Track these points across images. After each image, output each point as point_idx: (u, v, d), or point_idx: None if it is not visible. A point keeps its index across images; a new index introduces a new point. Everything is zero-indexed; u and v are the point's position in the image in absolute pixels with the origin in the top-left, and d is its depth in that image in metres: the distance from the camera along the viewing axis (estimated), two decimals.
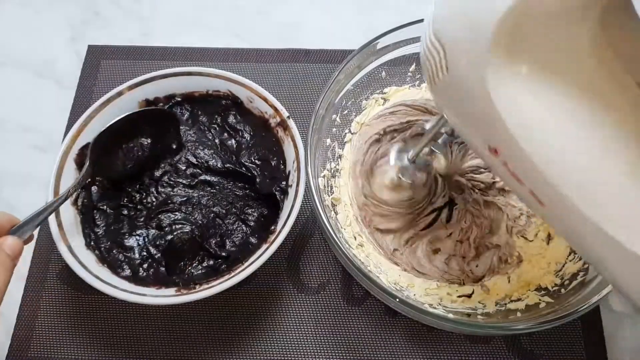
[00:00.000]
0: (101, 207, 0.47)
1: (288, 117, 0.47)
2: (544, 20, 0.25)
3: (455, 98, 0.31)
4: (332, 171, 0.49)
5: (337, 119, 0.50)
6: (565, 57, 0.27)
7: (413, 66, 0.52)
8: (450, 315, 0.41)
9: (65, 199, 0.42)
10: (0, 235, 0.37)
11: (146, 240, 0.46)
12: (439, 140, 0.44)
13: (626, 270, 0.28)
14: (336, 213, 0.47)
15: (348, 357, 0.46)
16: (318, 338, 0.46)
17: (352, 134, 0.52)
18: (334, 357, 0.46)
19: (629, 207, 0.27)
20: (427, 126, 0.42)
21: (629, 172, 0.26)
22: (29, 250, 0.50)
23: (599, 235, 0.27)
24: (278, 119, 0.48)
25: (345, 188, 0.49)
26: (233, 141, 0.50)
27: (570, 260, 0.45)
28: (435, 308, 0.43)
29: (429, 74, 0.32)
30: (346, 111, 0.51)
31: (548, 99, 0.27)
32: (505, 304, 0.44)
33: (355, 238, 0.47)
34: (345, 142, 0.51)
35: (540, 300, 0.43)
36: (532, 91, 0.27)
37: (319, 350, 0.46)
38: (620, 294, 0.32)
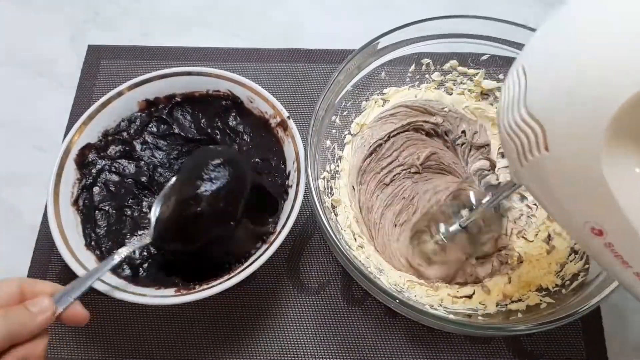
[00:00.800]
0: (103, 208, 0.47)
1: (288, 117, 0.47)
2: None
3: (554, 177, 0.28)
4: (332, 173, 0.49)
5: (337, 120, 0.50)
6: None
7: (413, 66, 0.52)
8: (451, 317, 0.41)
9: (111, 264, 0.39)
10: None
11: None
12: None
13: None
14: (336, 215, 0.47)
15: (348, 357, 0.46)
16: (318, 338, 0.46)
17: (351, 135, 0.51)
18: (334, 357, 0.46)
19: None
20: (486, 199, 0.41)
21: None
22: (29, 250, 0.50)
23: None
24: (278, 119, 0.48)
25: (345, 190, 0.49)
26: (235, 147, 0.50)
27: (570, 261, 0.45)
28: (436, 309, 0.43)
29: (518, 150, 0.29)
30: (346, 112, 0.51)
31: None
32: (506, 304, 0.44)
33: (355, 239, 0.47)
34: (345, 144, 0.51)
35: (541, 300, 0.43)
36: None
37: (319, 350, 0.46)
38: None
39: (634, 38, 0.23)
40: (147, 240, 0.42)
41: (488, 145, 0.52)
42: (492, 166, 0.51)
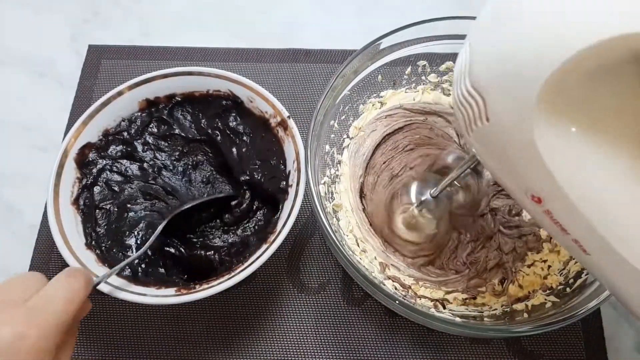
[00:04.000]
0: (104, 207, 0.47)
1: (288, 116, 0.47)
2: (593, 77, 0.25)
3: (495, 146, 0.30)
4: (332, 177, 0.49)
5: (335, 124, 0.50)
6: (616, 114, 0.26)
7: (409, 69, 0.52)
8: (457, 319, 0.41)
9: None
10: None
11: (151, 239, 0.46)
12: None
13: None
14: (338, 220, 0.47)
15: (348, 357, 0.46)
16: (318, 338, 0.46)
17: (350, 139, 0.51)
18: (334, 357, 0.46)
19: None
20: (451, 161, 0.42)
21: None
22: (29, 249, 0.50)
23: None
24: (278, 119, 0.48)
25: (345, 194, 0.49)
26: (235, 147, 0.50)
27: (573, 259, 0.45)
28: (441, 312, 0.43)
29: (465, 121, 0.31)
30: (344, 116, 0.51)
31: (597, 154, 0.26)
32: (511, 304, 0.44)
33: (358, 244, 0.47)
34: (344, 148, 0.51)
35: (546, 299, 0.43)
36: (581, 146, 0.26)
37: (319, 350, 0.46)
38: None
39: (561, 7, 0.24)
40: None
41: None
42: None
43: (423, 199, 0.48)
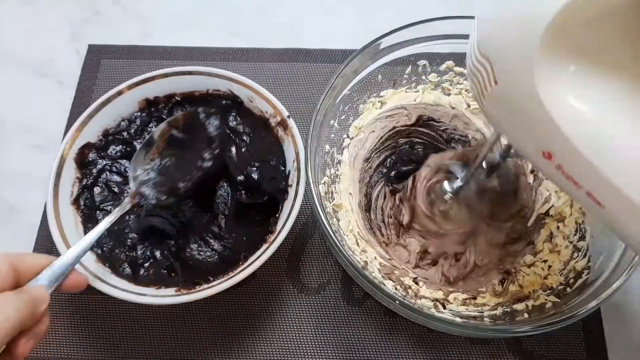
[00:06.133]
0: (105, 208, 0.47)
1: (288, 116, 0.47)
2: (593, 19, 0.25)
3: (506, 108, 0.31)
4: (332, 177, 0.49)
5: (335, 124, 0.50)
6: (615, 55, 0.27)
7: (409, 68, 0.52)
8: (458, 319, 0.41)
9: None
10: (29, 277, 0.34)
11: (151, 239, 0.46)
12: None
13: None
14: (338, 220, 0.47)
15: (348, 357, 0.46)
16: (318, 338, 0.46)
17: (349, 138, 0.51)
18: (334, 357, 0.46)
19: None
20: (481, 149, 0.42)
21: None
22: (28, 249, 0.50)
23: None
24: (278, 118, 0.48)
25: (345, 194, 0.49)
26: (234, 146, 0.50)
27: (574, 259, 0.45)
28: (442, 312, 0.43)
29: (478, 89, 0.32)
30: (344, 116, 0.50)
31: (598, 96, 0.27)
32: (512, 304, 0.44)
33: (358, 244, 0.47)
34: (344, 148, 0.51)
35: (546, 299, 0.43)
36: (581, 89, 0.27)
37: (319, 350, 0.46)
38: None
39: None
40: (128, 205, 0.42)
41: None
42: None
43: (455, 185, 0.48)
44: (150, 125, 0.51)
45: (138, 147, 0.50)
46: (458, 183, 0.47)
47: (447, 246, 0.48)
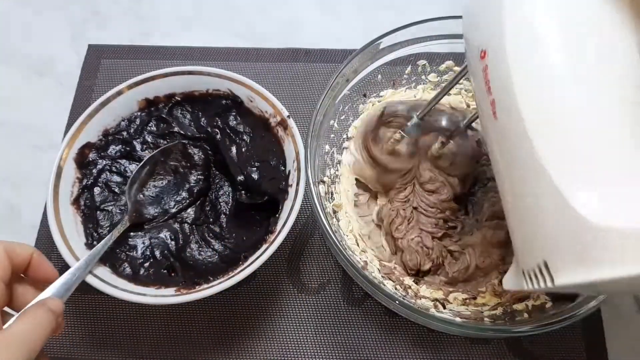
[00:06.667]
0: (105, 208, 0.47)
1: (288, 116, 0.47)
2: None
3: (475, 11, 0.34)
4: (332, 177, 0.49)
5: (335, 124, 0.50)
6: None
7: (409, 68, 0.52)
8: (457, 319, 0.41)
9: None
10: (20, 269, 0.35)
11: (152, 239, 0.46)
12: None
13: (553, 223, 0.28)
14: (338, 220, 0.47)
15: (348, 357, 0.46)
16: (318, 338, 0.46)
17: (349, 139, 0.51)
18: (334, 357, 0.46)
19: (587, 156, 0.27)
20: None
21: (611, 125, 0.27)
22: None
23: (536, 175, 0.28)
24: (278, 118, 0.48)
25: (345, 194, 0.49)
26: (234, 146, 0.50)
27: None
28: (442, 312, 0.43)
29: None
30: (343, 116, 0.50)
31: (554, 18, 0.29)
32: (512, 304, 0.44)
33: (358, 244, 0.47)
34: (344, 148, 0.51)
35: (546, 299, 0.43)
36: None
37: (319, 350, 0.46)
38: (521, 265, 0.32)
39: None
40: (127, 223, 0.45)
41: None
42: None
43: (410, 123, 0.48)
44: (150, 125, 0.51)
45: (138, 147, 0.50)
46: (414, 120, 0.47)
47: (391, 180, 0.49)
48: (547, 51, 0.29)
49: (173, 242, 0.46)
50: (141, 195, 0.48)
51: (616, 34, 0.28)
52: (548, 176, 0.27)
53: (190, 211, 0.48)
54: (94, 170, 0.48)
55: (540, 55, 0.29)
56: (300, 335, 0.46)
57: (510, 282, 0.35)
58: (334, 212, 0.47)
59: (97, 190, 0.47)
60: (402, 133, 0.48)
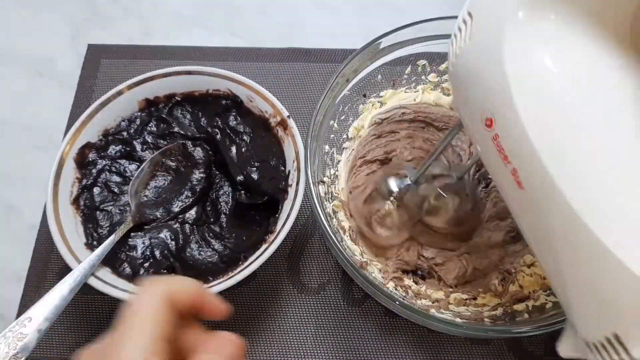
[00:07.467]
0: (105, 208, 0.47)
1: (288, 116, 0.47)
2: None
3: (470, 66, 0.31)
4: (332, 178, 0.49)
5: (335, 124, 0.50)
6: (592, 13, 0.27)
7: (409, 68, 0.52)
8: (457, 320, 0.41)
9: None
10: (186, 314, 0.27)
11: (152, 240, 0.46)
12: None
13: (616, 293, 0.25)
14: (338, 220, 0.47)
15: (348, 358, 0.46)
16: (318, 338, 0.46)
17: (349, 139, 0.51)
18: (334, 357, 0.46)
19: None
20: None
21: None
22: (29, 250, 0.50)
23: (584, 238, 0.25)
24: (278, 118, 0.48)
25: (345, 194, 0.49)
26: (234, 146, 0.50)
27: None
28: (442, 313, 0.43)
29: (453, 50, 0.32)
30: (343, 116, 0.50)
31: (560, 73, 0.27)
32: (512, 305, 0.44)
33: (358, 244, 0.47)
34: (344, 149, 0.51)
35: (546, 299, 0.43)
36: (548, 58, 0.27)
37: (319, 350, 0.46)
38: (572, 332, 0.30)
39: None
40: (130, 223, 0.45)
41: None
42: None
43: (401, 187, 0.46)
44: (150, 125, 0.51)
45: (138, 147, 0.50)
46: (406, 182, 0.45)
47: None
48: (563, 109, 0.26)
49: (173, 242, 0.46)
50: (144, 197, 0.48)
51: (617, 76, 0.27)
52: (602, 245, 0.24)
53: (192, 211, 0.48)
54: (94, 170, 0.48)
55: (557, 114, 0.26)
56: (300, 335, 0.46)
57: (568, 350, 0.31)
58: (334, 212, 0.47)
59: (96, 190, 0.48)
60: (391, 203, 0.46)
